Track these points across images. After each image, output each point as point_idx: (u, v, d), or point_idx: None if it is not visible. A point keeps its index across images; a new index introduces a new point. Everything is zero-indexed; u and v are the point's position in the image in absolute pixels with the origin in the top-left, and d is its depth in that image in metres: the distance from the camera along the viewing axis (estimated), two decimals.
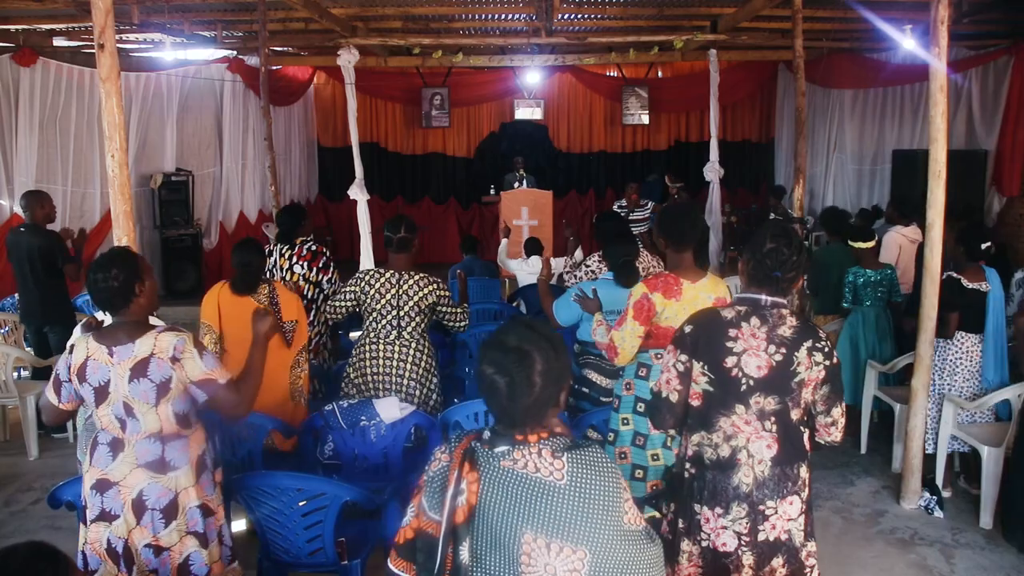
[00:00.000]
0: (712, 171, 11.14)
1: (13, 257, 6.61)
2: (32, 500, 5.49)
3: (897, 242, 7.24)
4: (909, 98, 11.62)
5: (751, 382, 2.73)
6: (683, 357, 2.81)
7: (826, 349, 2.75)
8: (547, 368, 1.99)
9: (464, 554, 1.93)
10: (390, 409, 4.28)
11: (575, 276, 6.06)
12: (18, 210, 8.68)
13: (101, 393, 3.00)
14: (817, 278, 7.02)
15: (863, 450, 6.04)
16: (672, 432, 2.93)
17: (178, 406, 3.04)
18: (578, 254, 7.93)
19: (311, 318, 5.67)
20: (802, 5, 7.27)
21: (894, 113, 11.97)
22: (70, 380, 3.06)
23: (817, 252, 7.98)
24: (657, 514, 3.15)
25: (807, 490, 2.82)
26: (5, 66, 8.83)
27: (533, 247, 8.30)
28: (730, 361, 2.74)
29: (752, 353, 2.73)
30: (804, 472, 2.81)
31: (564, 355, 2.06)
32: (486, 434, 2.06)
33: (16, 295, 7.05)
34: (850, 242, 6.23)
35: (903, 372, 5.84)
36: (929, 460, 5.27)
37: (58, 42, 9.53)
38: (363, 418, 4.28)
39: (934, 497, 5.10)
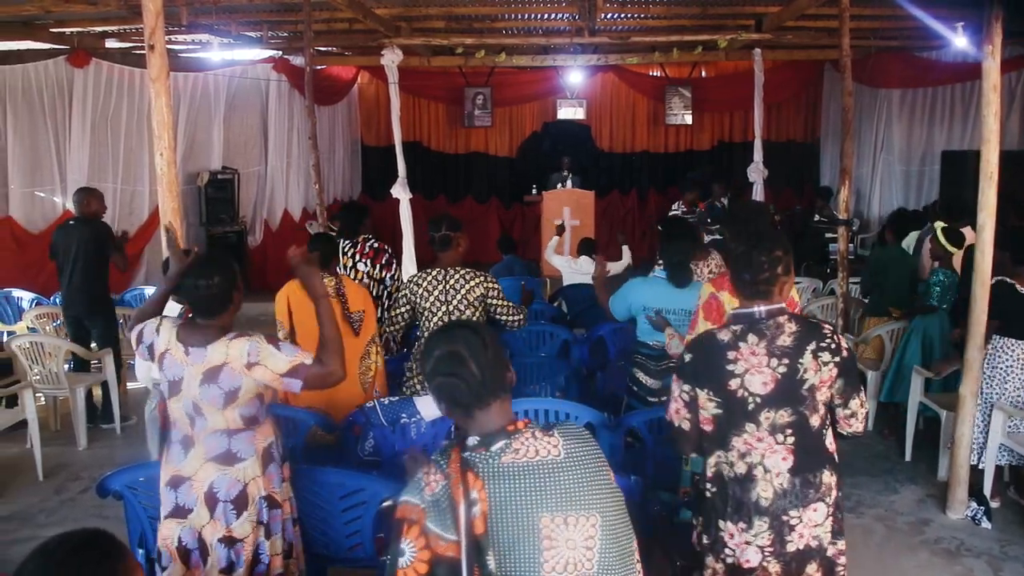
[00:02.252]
0: (756, 172, 11.03)
1: (60, 250, 6.74)
2: (81, 489, 5.60)
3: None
4: (960, 98, 11.43)
5: (758, 399, 2.69)
6: (686, 387, 2.79)
7: (833, 346, 2.70)
8: (491, 334, 2.18)
9: (491, 563, 1.94)
10: (430, 407, 4.29)
11: None
12: (71, 207, 8.90)
13: (174, 387, 3.06)
14: (872, 279, 6.91)
15: (908, 457, 5.94)
16: (694, 455, 2.93)
17: (246, 411, 3.07)
18: (626, 254, 7.91)
19: (377, 314, 5.72)
20: (849, 3, 7.17)
21: (944, 113, 11.78)
22: (151, 352, 3.11)
23: (876, 253, 7.89)
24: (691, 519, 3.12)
25: (834, 493, 2.76)
26: (60, 67, 9.06)
27: (586, 247, 8.26)
28: (734, 383, 2.70)
29: (755, 371, 2.68)
30: (828, 477, 2.75)
31: (483, 325, 2.26)
32: (472, 440, 2.08)
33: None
34: (945, 244, 6.12)
35: (950, 378, 5.73)
36: (977, 469, 5.16)
37: (110, 44, 9.72)
38: (404, 415, 4.31)
39: (982, 507, 4.99)
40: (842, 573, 2.83)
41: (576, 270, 8.03)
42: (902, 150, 12.34)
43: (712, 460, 2.82)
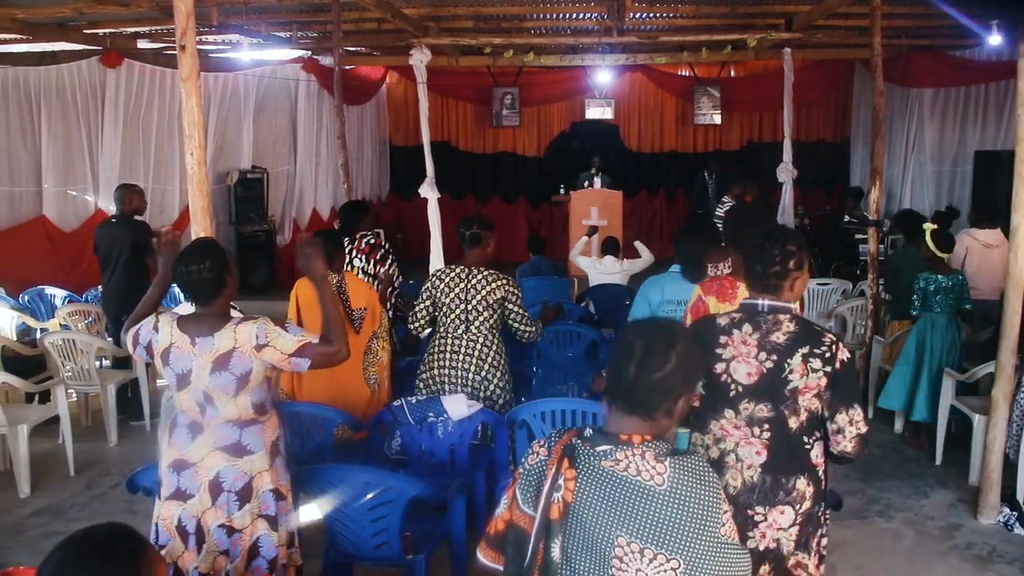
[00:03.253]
0: (785, 172, 10.95)
1: (101, 248, 6.84)
2: (111, 484, 5.67)
3: (965, 244, 7.04)
4: (994, 97, 11.26)
5: (740, 388, 2.72)
6: None
7: (827, 355, 2.65)
8: (684, 355, 2.00)
9: (556, 551, 1.92)
10: (458, 406, 4.31)
11: None
12: (102, 205, 9.03)
13: (183, 379, 3.09)
14: (891, 282, 6.84)
15: (938, 461, 5.86)
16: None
17: (256, 396, 3.12)
18: (644, 252, 7.89)
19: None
20: (880, 2, 7.09)
21: (977, 113, 11.61)
22: (149, 352, 3.15)
23: (892, 256, 7.79)
24: None
25: (806, 503, 2.73)
26: (93, 68, 9.17)
27: (610, 247, 8.24)
28: (719, 367, 2.74)
29: (741, 360, 2.72)
30: (803, 485, 2.72)
31: (701, 361, 2.11)
32: (588, 432, 2.04)
33: (100, 287, 7.29)
34: (933, 248, 6.03)
35: (980, 381, 5.66)
36: (1009, 473, 5.08)
37: (142, 44, 9.83)
38: (431, 414, 4.32)
39: (1014, 513, 4.91)
40: None
41: (601, 270, 8.01)
42: (934, 150, 12.17)
43: (692, 439, 2.84)
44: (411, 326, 4.94)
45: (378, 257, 5.96)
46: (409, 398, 4.43)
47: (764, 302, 2.77)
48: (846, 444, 2.71)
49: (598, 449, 1.98)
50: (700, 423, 2.81)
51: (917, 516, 5.12)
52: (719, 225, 8.55)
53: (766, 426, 2.71)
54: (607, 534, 1.91)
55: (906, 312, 6.53)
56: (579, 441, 2.01)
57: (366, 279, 5.83)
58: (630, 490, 1.91)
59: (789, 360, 2.68)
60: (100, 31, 9.08)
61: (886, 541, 4.80)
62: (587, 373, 5.76)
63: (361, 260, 5.96)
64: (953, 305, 5.97)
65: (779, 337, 2.71)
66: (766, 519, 2.72)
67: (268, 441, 3.18)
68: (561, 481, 1.94)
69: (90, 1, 7.15)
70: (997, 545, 4.73)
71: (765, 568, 2.74)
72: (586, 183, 12.37)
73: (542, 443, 2.08)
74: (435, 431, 4.37)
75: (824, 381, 2.67)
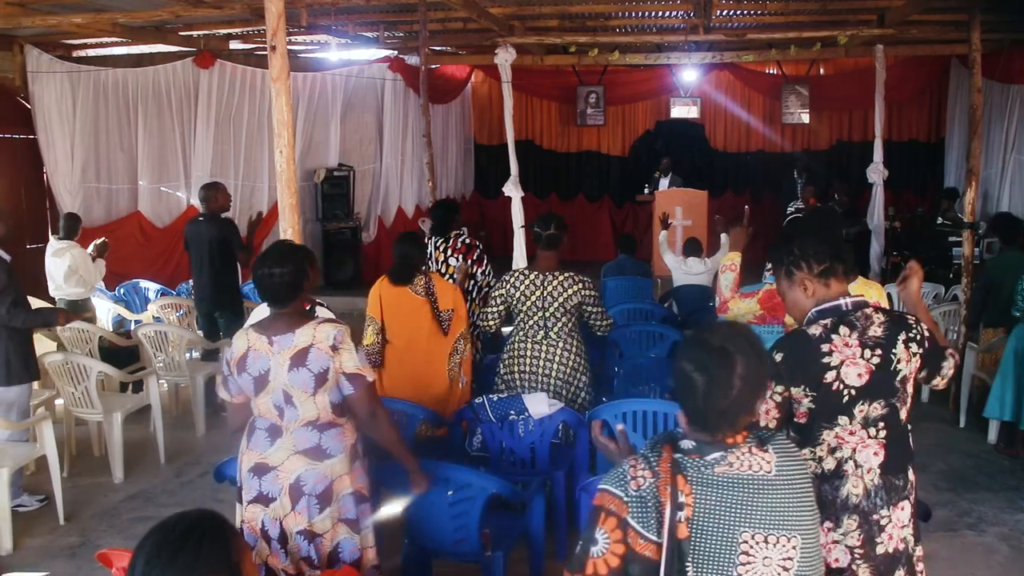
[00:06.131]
0: (876, 172, 10.64)
1: (192, 245, 7.03)
2: (199, 473, 5.84)
3: None
4: None
5: (853, 392, 2.65)
6: (779, 388, 2.71)
7: (919, 336, 2.70)
8: (747, 372, 1.97)
9: (690, 569, 1.93)
10: (539, 405, 4.31)
11: None
12: (194, 202, 9.31)
13: (260, 382, 3.09)
14: (987, 288, 6.58)
15: None
16: None
17: (334, 396, 3.12)
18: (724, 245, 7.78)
19: (469, 309, 5.81)
20: None
21: None
22: (231, 373, 3.16)
23: (989, 261, 7.50)
24: None
25: (914, 492, 2.77)
26: (187, 69, 9.47)
27: (691, 248, 8.14)
28: (829, 376, 2.65)
29: (850, 363, 2.65)
30: (911, 475, 2.76)
31: (766, 361, 2.06)
32: (687, 444, 2.03)
33: (191, 281, 7.50)
34: None
35: None
36: None
37: (233, 45, 10.10)
38: (512, 412, 4.33)
39: None
40: None
41: (686, 271, 7.93)
42: None
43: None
44: (481, 325, 4.97)
45: (475, 257, 6.00)
46: (491, 396, 4.45)
47: (846, 300, 2.72)
48: (947, 372, 2.83)
49: (708, 458, 1.98)
50: (809, 436, 2.73)
51: (1012, 531, 4.92)
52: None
53: (881, 424, 2.68)
54: (731, 534, 1.94)
55: (1000, 319, 6.29)
56: (681, 455, 2.00)
57: (463, 279, 5.92)
58: (747, 486, 1.96)
59: (893, 350, 2.66)
60: (194, 33, 9.37)
61: (977, 556, 4.63)
62: (669, 375, 5.70)
63: (458, 260, 5.98)
64: None
65: (876, 330, 2.67)
66: (891, 520, 2.69)
67: (348, 444, 3.17)
68: (682, 499, 1.93)
69: (186, 4, 7.37)
70: None
71: (900, 573, 2.71)
72: (659, 185, 12.29)
73: (639, 466, 2.01)
74: (516, 429, 4.38)
75: (919, 362, 2.70)
